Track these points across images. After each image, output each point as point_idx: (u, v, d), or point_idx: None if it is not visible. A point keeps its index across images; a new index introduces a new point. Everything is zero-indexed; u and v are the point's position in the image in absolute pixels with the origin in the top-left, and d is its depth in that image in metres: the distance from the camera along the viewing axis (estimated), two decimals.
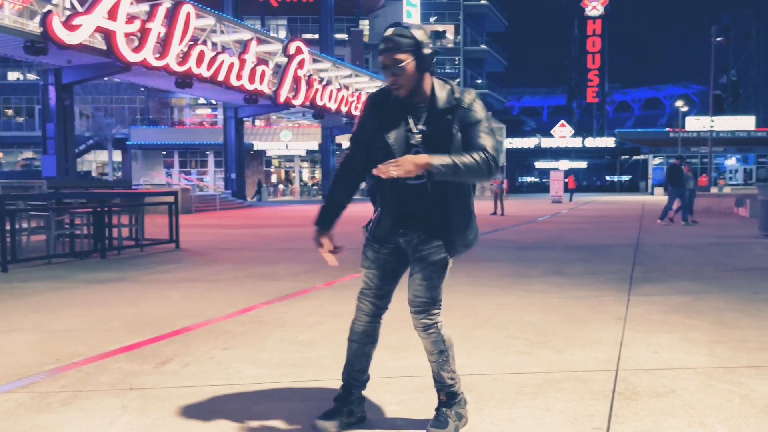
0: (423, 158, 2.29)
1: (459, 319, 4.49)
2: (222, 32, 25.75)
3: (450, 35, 54.27)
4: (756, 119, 49.60)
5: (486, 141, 2.37)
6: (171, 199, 9.67)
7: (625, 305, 5.00)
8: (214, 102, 44.02)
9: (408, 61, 2.34)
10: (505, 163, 33.34)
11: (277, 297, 5.57)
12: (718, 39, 23.70)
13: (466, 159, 2.31)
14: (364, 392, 2.74)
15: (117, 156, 44.73)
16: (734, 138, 46.68)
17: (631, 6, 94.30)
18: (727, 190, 26.56)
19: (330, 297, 5.56)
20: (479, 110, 2.41)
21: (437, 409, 2.56)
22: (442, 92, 2.43)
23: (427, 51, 2.36)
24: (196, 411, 2.80)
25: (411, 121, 2.44)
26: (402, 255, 2.61)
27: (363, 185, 2.77)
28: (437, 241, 2.49)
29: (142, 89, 42.40)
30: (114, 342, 4.04)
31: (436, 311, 2.53)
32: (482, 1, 53.94)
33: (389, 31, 2.38)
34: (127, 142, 43.07)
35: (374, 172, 2.37)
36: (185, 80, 23.21)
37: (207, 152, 46.04)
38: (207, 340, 4.09)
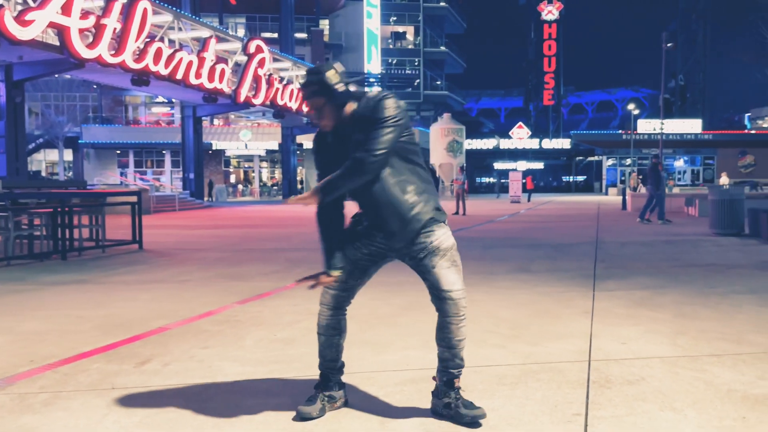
0: (308, 193, 2.53)
1: (434, 315, 4.58)
2: (180, 29, 25.33)
3: (410, 36, 54.63)
4: (702, 122, 51.62)
5: (371, 142, 2.46)
6: (134, 199, 9.49)
7: (591, 300, 5.19)
8: (171, 100, 43.19)
9: (322, 102, 2.54)
10: (464, 164, 33.77)
11: (250, 296, 5.57)
12: (669, 45, 24.60)
13: (347, 165, 2.48)
14: (345, 380, 2.85)
15: (68, 155, 43.39)
16: (682, 140, 48.46)
17: (585, 12, 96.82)
18: (676, 190, 27.56)
19: (303, 296, 5.57)
20: (380, 110, 2.49)
21: (456, 398, 2.61)
22: (358, 109, 2.56)
23: (339, 88, 2.53)
24: (183, 408, 2.81)
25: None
26: (380, 257, 2.70)
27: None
28: (440, 229, 2.60)
29: (95, 86, 41.27)
30: (88, 343, 3.99)
31: (467, 295, 2.66)
32: (441, 3, 54.47)
33: (303, 79, 2.64)
34: (79, 141, 41.83)
35: (288, 202, 2.61)
36: (142, 78, 22.73)
37: (163, 152, 45.09)
38: (184, 339, 4.07)
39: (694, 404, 2.77)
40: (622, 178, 48.73)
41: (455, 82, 62.89)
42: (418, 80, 50.64)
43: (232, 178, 46.87)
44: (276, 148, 43.37)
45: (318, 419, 2.66)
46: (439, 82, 57.13)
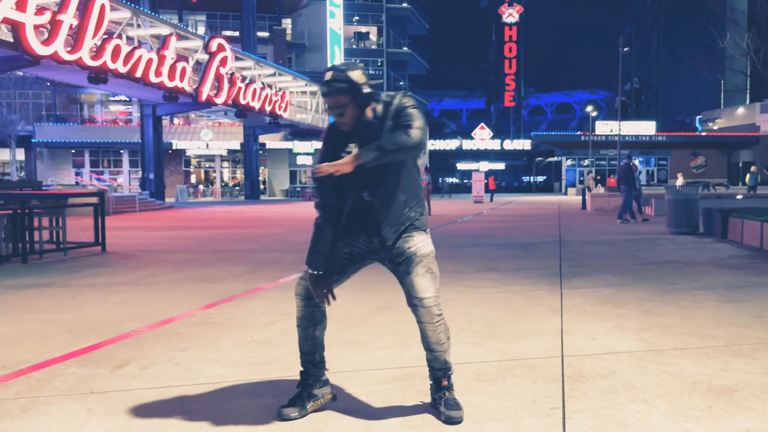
0: (349, 157, 2.47)
1: (408, 314, 4.65)
2: (139, 26, 24.82)
3: (373, 37, 54.73)
4: (656, 124, 53.28)
5: (412, 120, 2.50)
6: (96, 200, 9.28)
7: (559, 298, 5.35)
8: (128, 99, 42.21)
9: (347, 101, 2.55)
10: (428, 164, 34.04)
11: (223, 298, 5.54)
12: (626, 49, 25.32)
13: (390, 138, 2.48)
14: (331, 379, 2.89)
15: (20, 155, 41.96)
16: (638, 141, 49.92)
17: (544, 15, 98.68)
18: None
19: (277, 297, 5.58)
20: (407, 102, 2.58)
21: (440, 395, 2.71)
22: (379, 109, 2.60)
23: (365, 90, 2.57)
24: (167, 411, 2.80)
25: (353, 146, 2.60)
26: (360, 258, 2.74)
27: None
28: (419, 235, 2.64)
29: (49, 84, 40.04)
30: (59, 348, 3.92)
31: (440, 301, 2.70)
32: (404, 4, 54.75)
33: (328, 75, 2.58)
34: (32, 140, 40.55)
35: (315, 172, 2.52)
36: (99, 75, 22.19)
37: (121, 151, 44.06)
38: (159, 342, 4.04)
39: (663, 396, 2.91)
40: (581, 179, 49.88)
41: (418, 82, 63.34)
42: (381, 80, 50.65)
43: (193, 179, 46.11)
44: (238, 147, 42.88)
45: (303, 419, 2.69)
46: (402, 83, 57.40)
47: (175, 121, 43.73)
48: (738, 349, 3.70)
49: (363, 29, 54.53)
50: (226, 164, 47.46)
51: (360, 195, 2.65)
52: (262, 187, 44.64)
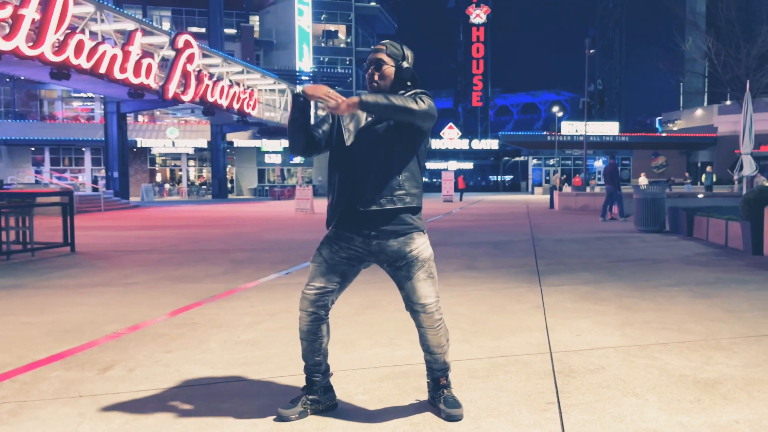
0: (355, 97, 2.50)
1: (395, 313, 4.68)
2: (103, 21, 24.25)
3: (342, 35, 54.59)
4: (619, 125, 54.49)
5: (425, 97, 2.56)
6: (65, 199, 9.04)
7: (540, 295, 5.44)
8: (91, 95, 41.20)
9: (390, 64, 2.64)
10: None
11: (203, 299, 5.46)
12: (591, 51, 25.85)
13: (400, 96, 2.52)
14: (334, 379, 2.87)
15: None
16: (602, 142, 50.98)
17: (511, 16, 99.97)
18: (597, 189, 29.02)
19: (258, 297, 5.53)
20: (423, 91, 2.63)
21: (439, 394, 2.73)
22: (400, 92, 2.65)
23: (405, 65, 2.66)
24: (161, 414, 2.76)
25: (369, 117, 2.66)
26: (358, 261, 2.68)
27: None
28: (420, 237, 2.65)
29: (8, 80, 38.80)
30: (40, 350, 3.82)
31: (440, 305, 2.71)
32: (372, 3, 54.76)
33: (385, 41, 2.70)
34: None
35: (307, 90, 2.53)
36: (62, 71, 21.60)
37: (83, 149, 42.97)
38: (143, 344, 3.97)
39: (653, 389, 2.99)
40: (547, 178, 50.70)
41: None
42: (350, 79, 50.63)
43: (158, 177, 45.27)
44: (205, 146, 42.28)
45: (304, 419, 2.68)
46: None
47: (140, 118, 42.86)
48: (717, 343, 3.82)
49: (332, 27, 54.36)
50: (192, 163, 46.73)
51: (351, 171, 2.60)
52: (229, 186, 44.11)
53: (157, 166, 45.82)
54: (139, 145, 41.88)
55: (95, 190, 27.51)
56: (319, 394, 2.76)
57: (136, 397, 2.97)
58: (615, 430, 2.52)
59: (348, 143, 2.64)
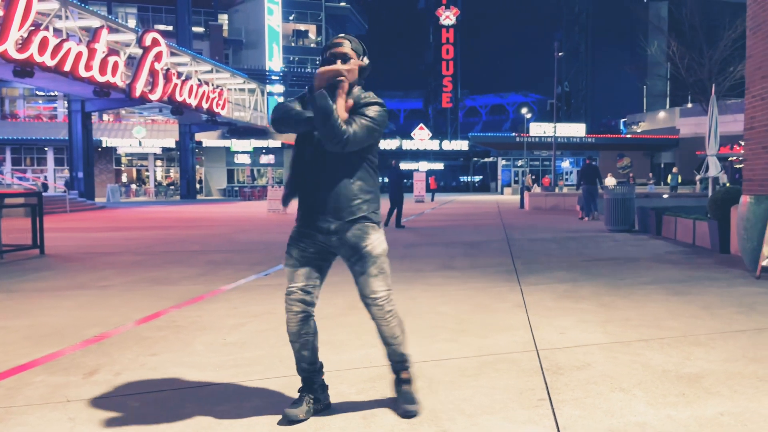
0: (347, 66, 2.59)
1: None
2: (67, 18, 23.69)
3: (312, 35, 54.34)
4: (586, 127, 55.53)
5: (354, 125, 2.56)
6: (33, 200, 8.81)
7: (520, 294, 5.52)
8: (54, 93, 40.16)
9: (356, 60, 2.68)
10: None
11: (183, 301, 5.39)
12: (560, 54, 26.28)
13: (337, 119, 2.51)
14: (326, 380, 2.88)
15: None
16: (570, 143, 51.90)
17: (479, 19, 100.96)
18: (564, 189, 29.53)
19: (239, 298, 5.49)
20: (369, 107, 2.64)
21: (399, 389, 2.80)
22: (357, 94, 2.68)
23: (367, 61, 2.73)
24: (155, 418, 2.72)
25: None
26: (327, 254, 2.75)
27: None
28: (375, 233, 2.70)
29: None
30: (21, 355, 3.72)
31: (392, 297, 2.76)
32: (342, 3, 54.67)
33: (341, 35, 2.74)
34: None
35: (319, 84, 2.53)
36: (25, 69, 21.04)
37: (45, 149, 41.87)
38: (127, 347, 3.90)
39: (638, 385, 3.08)
40: (516, 178, 51.34)
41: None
42: None
43: (124, 178, 44.37)
44: (173, 145, 41.62)
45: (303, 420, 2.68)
46: None
47: (105, 117, 41.96)
48: (695, 339, 3.95)
49: (302, 27, 54.09)
50: (159, 163, 45.95)
51: (311, 174, 2.65)
52: (198, 186, 43.49)
53: (122, 166, 44.92)
54: (104, 145, 41.01)
55: (70, 190, 26.77)
56: (318, 392, 2.79)
57: (127, 402, 2.93)
58: (607, 425, 2.58)
59: (304, 152, 2.68)
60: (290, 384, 3.07)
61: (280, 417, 2.69)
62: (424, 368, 3.36)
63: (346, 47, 2.67)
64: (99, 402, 2.93)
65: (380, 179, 2.90)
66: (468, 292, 5.63)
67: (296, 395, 2.79)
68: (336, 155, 2.59)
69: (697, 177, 14.24)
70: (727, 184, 11.26)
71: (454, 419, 2.67)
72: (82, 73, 23.26)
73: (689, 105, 55.21)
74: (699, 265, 7.27)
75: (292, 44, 53.20)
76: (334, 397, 2.94)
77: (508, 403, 2.85)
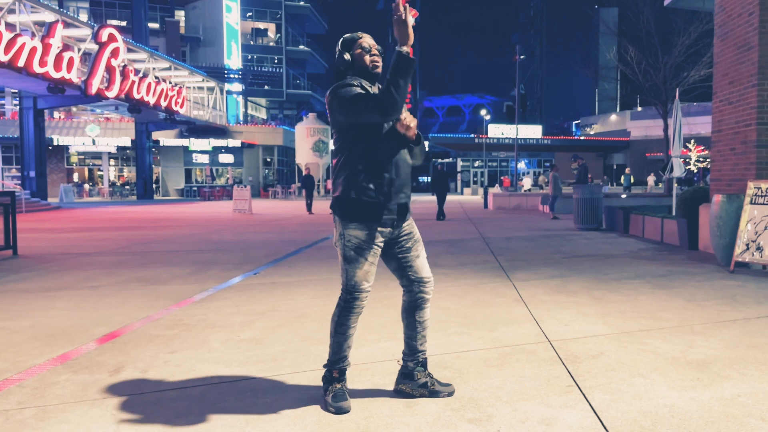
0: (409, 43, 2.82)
1: (383, 309, 4.78)
2: (21, 12, 22.84)
3: (271, 34, 53.81)
4: (542, 128, 56.84)
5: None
6: (6, 200, 8.53)
7: (514, 289, 5.69)
8: (2, 90, 38.56)
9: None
10: (330, 164, 34.13)
11: (181, 300, 5.35)
12: (522, 57, 26.87)
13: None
14: (357, 373, 3.05)
15: None
16: (526, 144, 53.02)
17: (437, 21, 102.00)
18: (522, 190, 30.20)
19: (240, 297, 5.48)
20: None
21: (429, 374, 2.94)
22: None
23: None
24: (201, 412, 2.74)
25: None
26: (385, 246, 2.88)
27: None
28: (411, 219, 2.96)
29: None
30: (34, 356, 3.66)
31: None
32: (302, 2, 54.35)
33: (363, 33, 2.97)
34: None
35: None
36: None
37: None
38: (142, 345, 3.87)
39: (654, 370, 3.26)
40: (475, 179, 52.09)
41: (317, 81, 63.06)
42: (280, 78, 50.02)
43: (76, 177, 42.96)
44: (128, 144, 40.58)
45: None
46: (299, 81, 56.95)
47: (56, 114, 40.55)
48: (691, 328, 4.18)
49: (261, 26, 53.51)
50: (113, 162, 44.68)
51: (394, 165, 2.78)
52: (155, 186, 42.51)
53: (74, 165, 43.48)
54: (55, 143, 39.63)
55: (24, 191, 25.75)
56: (345, 382, 2.87)
57: (166, 397, 2.93)
58: (638, 407, 2.74)
59: (385, 132, 2.81)
60: (318, 378, 3.12)
61: (321, 404, 2.77)
62: (447, 360, 3.47)
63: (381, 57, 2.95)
64: (136, 398, 2.92)
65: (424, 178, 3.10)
66: (463, 288, 5.77)
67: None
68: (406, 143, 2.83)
69: (665, 177, 14.84)
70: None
71: (493, 405, 2.78)
72: (37, 68, 22.49)
73: (639, 108, 57.19)
74: (673, 261, 7.62)
75: (251, 42, 52.60)
76: (371, 387, 3.02)
77: (539, 390, 2.99)
